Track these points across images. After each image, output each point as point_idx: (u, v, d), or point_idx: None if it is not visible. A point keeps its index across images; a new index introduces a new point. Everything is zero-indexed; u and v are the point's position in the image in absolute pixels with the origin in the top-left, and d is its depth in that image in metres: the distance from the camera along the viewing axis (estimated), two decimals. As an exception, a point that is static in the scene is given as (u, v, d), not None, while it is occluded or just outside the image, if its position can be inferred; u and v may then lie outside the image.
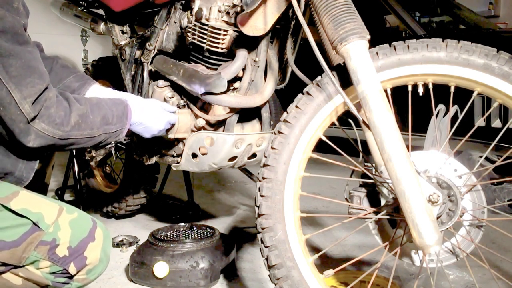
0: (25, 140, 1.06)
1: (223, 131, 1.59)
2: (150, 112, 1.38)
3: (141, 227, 2.37)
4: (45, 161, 1.36)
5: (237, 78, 1.53)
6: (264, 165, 1.23)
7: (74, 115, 1.12)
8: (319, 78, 1.23)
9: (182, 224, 1.93)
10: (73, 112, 1.13)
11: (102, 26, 2.12)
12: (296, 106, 1.23)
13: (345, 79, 1.17)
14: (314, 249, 2.02)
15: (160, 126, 1.42)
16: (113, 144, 1.29)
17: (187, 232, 1.85)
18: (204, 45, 1.50)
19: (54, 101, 1.09)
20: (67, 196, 2.72)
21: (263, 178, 1.22)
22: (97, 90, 1.45)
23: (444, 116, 1.36)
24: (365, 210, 1.26)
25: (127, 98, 1.35)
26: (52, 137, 1.09)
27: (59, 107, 1.10)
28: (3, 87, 1.01)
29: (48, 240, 1.05)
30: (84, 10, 2.23)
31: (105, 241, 1.13)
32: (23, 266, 1.05)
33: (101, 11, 2.09)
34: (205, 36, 1.48)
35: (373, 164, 1.29)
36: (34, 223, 1.04)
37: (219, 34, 1.47)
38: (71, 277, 1.09)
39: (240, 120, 1.63)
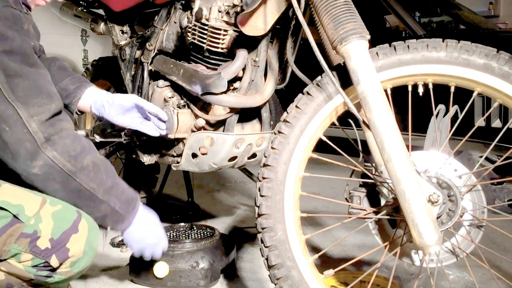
0: (30, 164, 1.03)
1: (223, 131, 1.59)
2: (150, 228, 1.28)
3: (141, 227, 2.36)
4: None
5: (237, 78, 1.53)
6: (264, 165, 1.23)
7: (88, 158, 1.09)
8: (319, 78, 1.23)
9: (182, 224, 1.93)
10: (89, 155, 1.09)
11: (102, 26, 2.12)
12: (296, 106, 1.23)
13: (345, 79, 1.17)
14: (314, 249, 2.02)
15: (150, 241, 1.28)
16: (108, 230, 1.19)
17: (187, 232, 1.85)
18: (204, 45, 1.50)
19: (71, 134, 1.07)
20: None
21: (263, 178, 1.22)
22: (93, 93, 1.45)
23: (444, 116, 1.36)
24: (365, 210, 1.26)
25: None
26: (61, 169, 1.05)
27: (75, 142, 1.07)
28: (9, 106, 1.00)
29: (29, 232, 1.02)
30: (84, 10, 2.23)
31: (90, 233, 1.09)
32: (5, 260, 1.04)
33: (101, 11, 2.09)
34: (205, 36, 1.48)
35: (373, 164, 1.29)
36: (14, 216, 1.02)
37: (219, 34, 1.47)
38: (53, 270, 1.06)
39: (240, 120, 1.62)
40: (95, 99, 1.43)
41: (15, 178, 1.10)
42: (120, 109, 1.42)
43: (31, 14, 1.23)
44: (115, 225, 1.18)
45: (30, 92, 1.02)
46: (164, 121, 1.52)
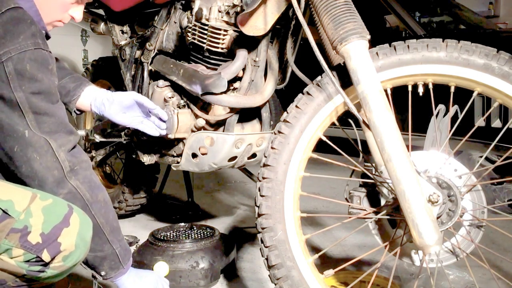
0: (57, 192, 1.11)
1: (223, 131, 1.59)
2: (144, 281, 1.32)
3: (141, 227, 2.37)
4: None
5: (237, 78, 1.53)
6: (264, 165, 1.23)
7: (102, 193, 1.18)
8: (319, 78, 1.23)
9: (182, 224, 1.93)
10: (103, 191, 1.19)
11: (102, 26, 2.12)
12: (296, 106, 1.23)
13: (345, 79, 1.17)
14: (314, 249, 2.02)
15: None
16: (97, 279, 1.28)
17: (187, 232, 1.85)
18: (204, 45, 1.50)
19: (90, 167, 1.18)
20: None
21: (263, 178, 1.22)
22: (92, 91, 1.45)
23: (444, 116, 1.36)
24: (365, 210, 1.26)
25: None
26: (81, 197, 1.13)
27: (93, 175, 1.17)
28: (41, 138, 1.09)
29: (19, 227, 1.02)
30: (84, 10, 2.23)
31: (82, 226, 1.09)
32: None
33: (101, 11, 2.09)
34: (205, 36, 1.48)
35: (373, 164, 1.29)
36: (3, 211, 1.02)
37: (219, 34, 1.47)
38: (46, 264, 1.06)
39: (240, 120, 1.62)
40: (95, 97, 1.43)
41: (5, 174, 1.11)
42: (120, 107, 1.42)
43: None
44: (110, 271, 1.23)
45: (55, 127, 1.12)
46: (164, 121, 1.53)
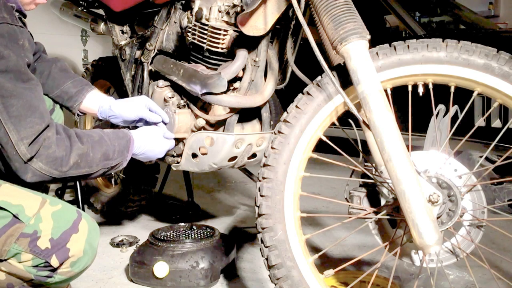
0: (23, 177, 1.08)
1: (223, 131, 1.59)
2: (152, 142, 1.38)
3: (141, 227, 2.37)
4: None
5: (237, 78, 1.53)
6: (264, 165, 1.23)
7: (73, 155, 1.12)
8: (319, 78, 1.23)
9: (182, 224, 1.93)
10: (73, 152, 1.12)
11: (102, 26, 2.12)
12: (296, 106, 1.23)
13: (345, 79, 1.17)
14: (314, 249, 2.02)
15: (159, 154, 1.43)
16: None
17: (187, 232, 1.85)
18: (204, 45, 1.50)
19: (53, 141, 1.09)
20: (67, 196, 2.72)
21: (263, 178, 1.22)
22: (95, 97, 1.45)
23: (444, 116, 1.36)
24: (365, 210, 1.26)
25: (131, 131, 1.35)
26: (49, 176, 1.09)
27: (59, 147, 1.10)
28: (1, 127, 1.03)
29: (29, 232, 1.03)
30: (84, 10, 2.23)
31: (91, 233, 1.10)
32: (5, 260, 1.04)
33: (101, 11, 2.09)
34: (205, 36, 1.48)
35: (373, 164, 1.29)
36: (14, 216, 1.03)
37: (219, 34, 1.47)
38: (54, 270, 1.07)
39: (240, 120, 1.62)
40: (100, 106, 1.46)
41: (15, 178, 1.10)
42: (124, 122, 1.46)
43: (29, 14, 1.24)
44: (117, 170, 1.26)
45: (23, 111, 1.05)
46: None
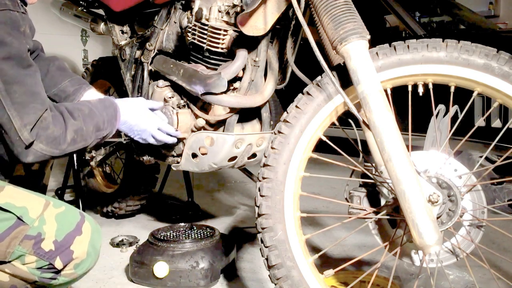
0: (25, 159, 1.08)
1: (223, 131, 1.59)
2: (134, 111, 1.37)
3: (141, 227, 2.37)
4: (43, 162, 1.36)
5: (237, 78, 1.53)
6: (264, 165, 1.23)
7: (70, 132, 1.13)
8: (319, 78, 1.23)
9: (182, 224, 1.93)
10: (69, 129, 1.13)
11: (102, 26, 2.12)
12: (296, 106, 1.23)
13: (345, 79, 1.17)
14: (314, 249, 2.02)
15: (144, 126, 1.40)
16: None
17: (187, 232, 1.85)
18: (204, 45, 1.50)
19: (50, 121, 1.10)
20: (67, 196, 2.72)
21: (263, 178, 1.22)
22: (92, 96, 1.45)
23: (444, 116, 1.36)
24: (365, 210, 1.26)
25: (116, 99, 1.35)
26: (50, 155, 1.10)
27: (56, 126, 1.11)
28: (5, 113, 1.04)
29: (33, 234, 1.03)
30: (84, 10, 2.23)
31: (94, 235, 1.11)
32: (9, 262, 1.04)
33: (101, 11, 2.09)
34: (205, 36, 1.48)
35: (373, 164, 1.29)
36: (18, 218, 1.03)
37: (219, 34, 1.47)
38: (58, 272, 1.07)
39: (240, 120, 1.62)
40: None
41: (19, 180, 1.11)
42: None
43: (30, 5, 1.23)
44: (107, 139, 1.28)
45: (26, 98, 1.06)
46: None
